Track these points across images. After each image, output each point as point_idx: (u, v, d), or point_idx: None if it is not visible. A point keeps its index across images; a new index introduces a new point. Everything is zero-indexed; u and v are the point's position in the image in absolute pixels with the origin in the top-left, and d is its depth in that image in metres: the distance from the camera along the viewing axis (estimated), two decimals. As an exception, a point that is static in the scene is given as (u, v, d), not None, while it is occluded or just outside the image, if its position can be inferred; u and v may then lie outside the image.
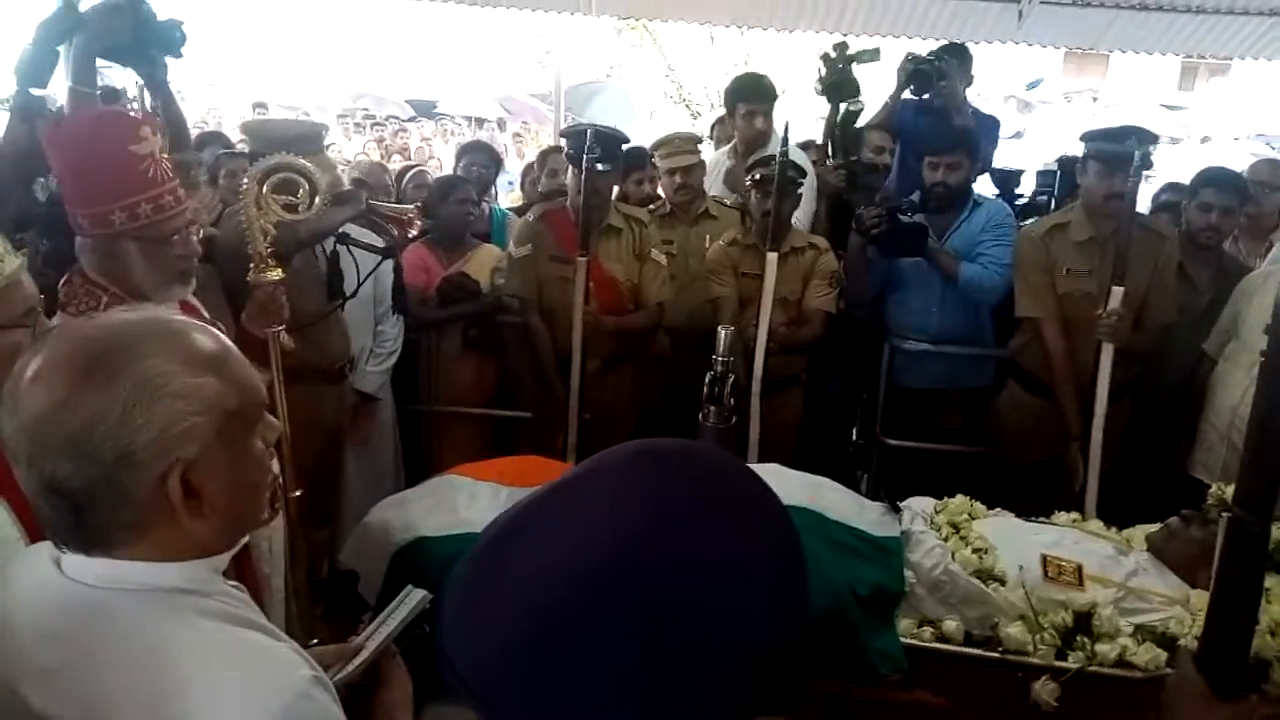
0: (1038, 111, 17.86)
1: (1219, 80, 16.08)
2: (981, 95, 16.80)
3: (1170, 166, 10.69)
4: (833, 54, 4.06)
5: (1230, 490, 1.83)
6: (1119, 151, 2.90)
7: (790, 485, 2.40)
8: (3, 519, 1.35)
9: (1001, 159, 4.87)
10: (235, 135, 5.48)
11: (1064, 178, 4.12)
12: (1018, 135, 14.40)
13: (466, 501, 2.39)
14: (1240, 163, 4.84)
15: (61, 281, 1.99)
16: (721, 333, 1.94)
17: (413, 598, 1.27)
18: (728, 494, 0.72)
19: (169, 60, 2.53)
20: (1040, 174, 4.56)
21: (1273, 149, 14.17)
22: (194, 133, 3.83)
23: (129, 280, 1.91)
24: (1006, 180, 4.55)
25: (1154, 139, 2.95)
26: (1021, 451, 3.34)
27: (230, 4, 6.60)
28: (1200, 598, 2.15)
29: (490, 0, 6.12)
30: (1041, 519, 2.55)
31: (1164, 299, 3.14)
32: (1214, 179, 3.38)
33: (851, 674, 2.14)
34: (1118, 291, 2.91)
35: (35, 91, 2.27)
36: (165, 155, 1.94)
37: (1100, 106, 17.87)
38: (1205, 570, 1.88)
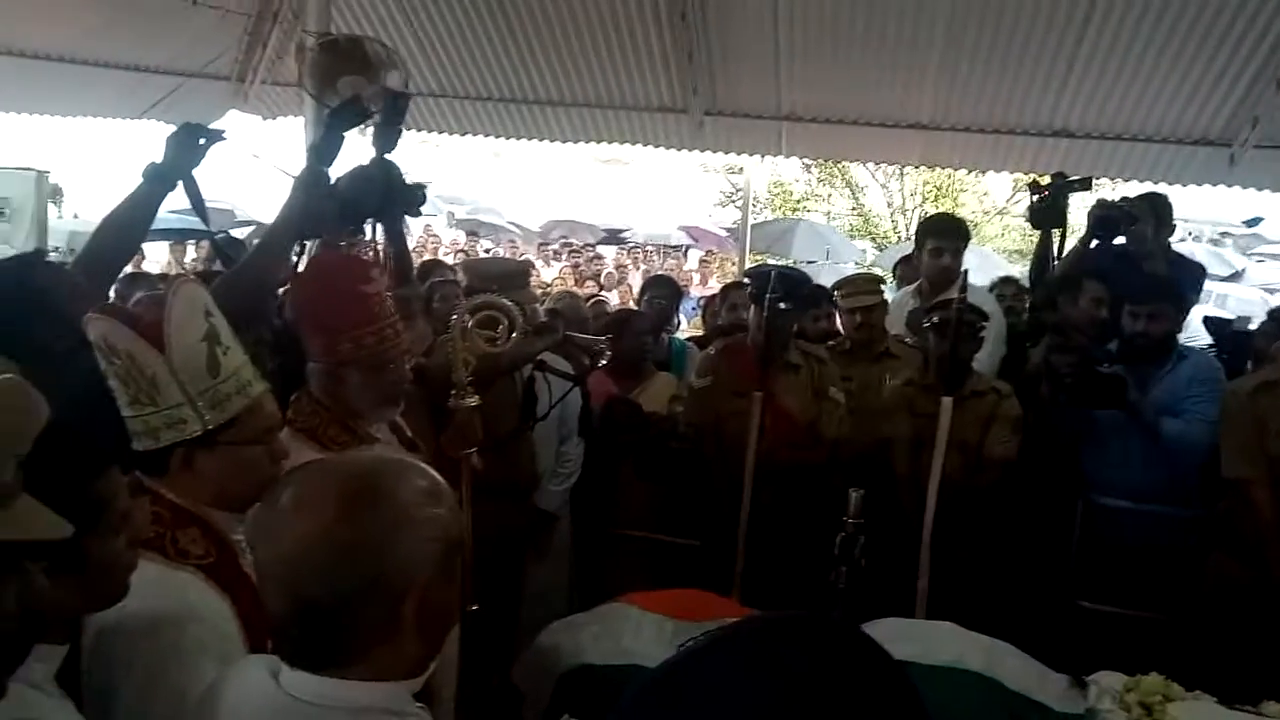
0: (1261, 250, 16.72)
1: None
2: (1194, 234, 15.99)
3: None
4: (1045, 182, 4.04)
5: None
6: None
7: (966, 647, 2.31)
8: (226, 614, 1.50)
9: (1224, 303, 4.66)
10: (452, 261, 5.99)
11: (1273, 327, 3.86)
12: (1235, 277, 13.47)
13: (633, 632, 2.43)
14: None
15: (292, 399, 2.24)
16: (852, 495, 1.95)
17: None
18: (852, 688, 0.73)
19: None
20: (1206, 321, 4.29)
21: None
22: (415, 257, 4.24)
23: (348, 402, 2.13)
24: (1221, 329, 4.31)
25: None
26: (1229, 626, 3.05)
27: (434, 139, 7.31)
28: None
29: (688, 144, 6.48)
30: (1248, 708, 2.31)
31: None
32: None
33: None
34: (1334, 457, 2.67)
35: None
36: (389, 293, 2.18)
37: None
38: None
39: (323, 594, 1.03)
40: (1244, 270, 14.25)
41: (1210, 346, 4.23)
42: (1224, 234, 17.63)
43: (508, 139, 6.94)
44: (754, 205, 13.28)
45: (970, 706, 2.09)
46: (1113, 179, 6.07)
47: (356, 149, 2.60)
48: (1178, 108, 5.49)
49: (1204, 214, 15.96)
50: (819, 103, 6.12)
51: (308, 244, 2.55)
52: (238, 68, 6.78)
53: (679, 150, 6.62)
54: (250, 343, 2.42)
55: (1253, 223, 17.49)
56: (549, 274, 10.84)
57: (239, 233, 6.82)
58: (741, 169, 11.78)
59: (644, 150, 6.88)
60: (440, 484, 1.14)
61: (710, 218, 17.62)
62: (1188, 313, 3.92)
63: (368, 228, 2.65)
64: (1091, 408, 3.41)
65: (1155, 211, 3.88)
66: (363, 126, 2.68)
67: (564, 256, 12.54)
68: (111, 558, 1.27)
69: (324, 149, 2.57)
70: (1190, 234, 15.57)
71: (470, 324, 2.42)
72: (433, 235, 13.21)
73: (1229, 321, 4.45)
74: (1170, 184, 5.65)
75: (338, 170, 2.55)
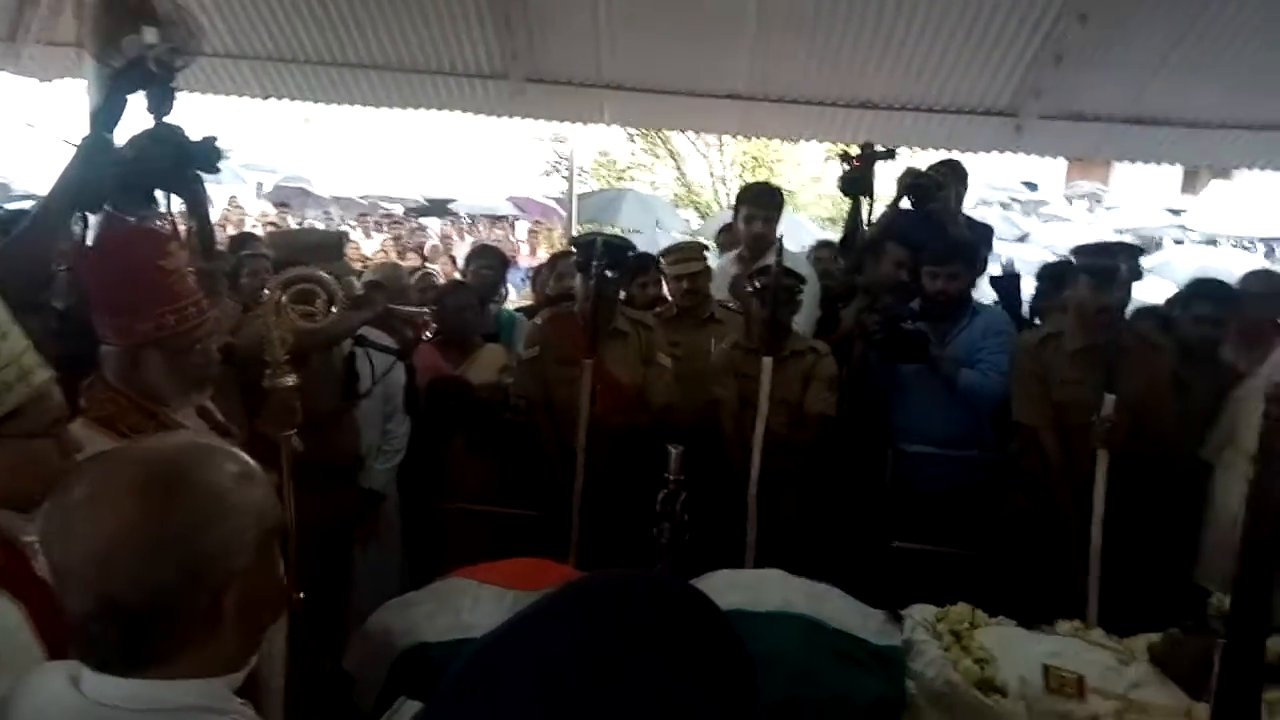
0: (1041, 213, 18.19)
1: (1222, 183, 16.32)
2: (985, 199, 17.19)
3: (1175, 267, 10.86)
4: (854, 152, 4.23)
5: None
6: (1108, 266, 2.99)
7: (790, 592, 2.42)
8: (19, 623, 1.37)
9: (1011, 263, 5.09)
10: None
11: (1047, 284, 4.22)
12: (1022, 239, 14.59)
13: (470, 605, 2.40)
14: (1243, 268, 4.97)
15: (83, 386, 2.06)
16: (672, 452, 2.01)
17: (405, 711, 1.29)
18: (672, 628, 0.75)
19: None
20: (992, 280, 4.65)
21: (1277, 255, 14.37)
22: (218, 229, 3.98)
23: (149, 387, 1.97)
24: (1006, 286, 4.65)
25: (1141, 252, 3.06)
26: (1023, 557, 3.34)
27: (245, 102, 6.89)
28: (1203, 711, 2.13)
29: (510, 111, 6.37)
30: (1044, 627, 2.54)
31: (1159, 406, 3.17)
32: (1206, 291, 3.46)
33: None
34: (1110, 399, 2.95)
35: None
36: (191, 269, 2.04)
37: (1103, 209, 18.18)
38: (1208, 682, 1.86)
39: (132, 593, 0.96)
40: (1030, 233, 15.42)
41: (996, 303, 4.59)
42: (1012, 199, 19.04)
43: (316, 103, 6.59)
44: (579, 175, 13.28)
45: (798, 647, 2.20)
46: (911, 147, 6.42)
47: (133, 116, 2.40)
48: (969, 82, 5.86)
49: (994, 180, 17.20)
50: (640, 71, 6.15)
51: (89, 217, 2.34)
52: (7, 26, 6.12)
53: (499, 117, 6.49)
54: (32, 328, 2.22)
55: (1034, 187, 19.07)
56: (370, 247, 10.44)
57: (15, 206, 6.20)
58: (566, 139, 11.76)
59: (466, 118, 6.71)
60: (251, 466, 1.08)
61: (538, 188, 17.46)
62: (982, 272, 4.23)
63: (160, 198, 2.45)
64: (898, 362, 3.63)
65: (956, 178, 4.15)
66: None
67: (385, 228, 12.10)
68: None
69: (107, 113, 2.36)
70: (982, 199, 16.71)
71: (284, 299, 2.30)
72: (238, 207, 12.43)
73: (1014, 275, 4.81)
74: (963, 151, 6.04)
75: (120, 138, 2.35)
